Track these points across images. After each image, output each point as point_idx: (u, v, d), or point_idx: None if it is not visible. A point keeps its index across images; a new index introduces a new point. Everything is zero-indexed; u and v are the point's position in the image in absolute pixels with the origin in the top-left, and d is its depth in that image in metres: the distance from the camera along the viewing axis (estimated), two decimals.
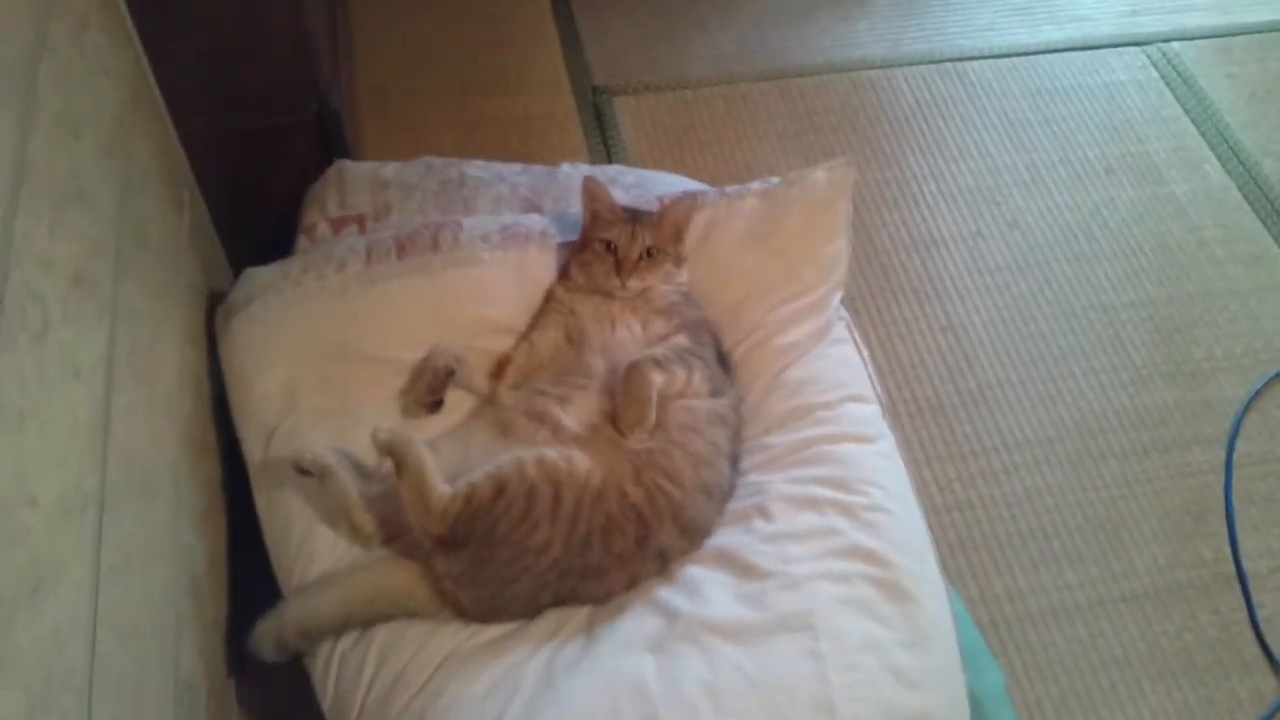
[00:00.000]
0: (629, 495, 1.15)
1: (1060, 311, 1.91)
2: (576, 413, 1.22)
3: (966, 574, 1.60)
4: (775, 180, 1.45)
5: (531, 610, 1.15)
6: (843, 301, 1.44)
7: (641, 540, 1.15)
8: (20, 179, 0.83)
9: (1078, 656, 1.53)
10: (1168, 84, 2.30)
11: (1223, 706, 1.50)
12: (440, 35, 2.24)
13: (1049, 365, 1.83)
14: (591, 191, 1.35)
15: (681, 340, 1.28)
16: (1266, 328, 1.90)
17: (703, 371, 1.26)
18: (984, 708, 1.26)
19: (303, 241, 1.44)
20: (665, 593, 1.13)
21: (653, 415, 1.20)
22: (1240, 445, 1.75)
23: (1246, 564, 1.63)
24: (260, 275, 1.34)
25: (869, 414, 1.32)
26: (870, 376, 1.37)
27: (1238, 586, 1.61)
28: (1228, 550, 1.64)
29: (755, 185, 1.45)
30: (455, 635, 1.13)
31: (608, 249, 1.32)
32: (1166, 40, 2.39)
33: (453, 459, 1.18)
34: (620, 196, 1.40)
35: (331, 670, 1.15)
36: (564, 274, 1.37)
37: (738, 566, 1.14)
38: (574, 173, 1.55)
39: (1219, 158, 2.16)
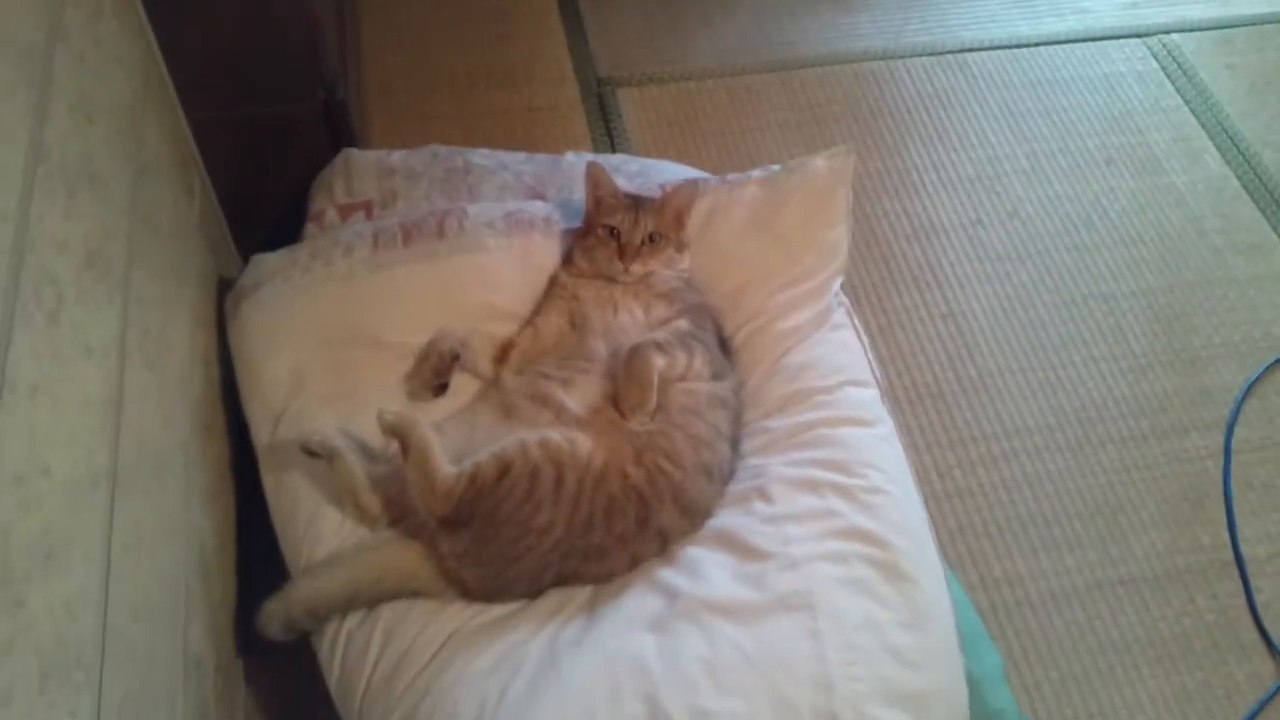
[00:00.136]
0: (630, 476, 1.17)
1: (1060, 300, 1.92)
2: (579, 396, 1.23)
3: (966, 559, 1.61)
4: (776, 168, 1.46)
5: (534, 590, 1.16)
6: (844, 289, 1.46)
7: (642, 521, 1.16)
8: (36, 162, 0.85)
9: (1076, 640, 1.54)
10: (1168, 75, 2.31)
11: (1220, 690, 1.51)
12: (446, 28, 2.26)
13: (1049, 353, 1.85)
14: (595, 178, 1.37)
15: (683, 324, 1.30)
16: (1265, 316, 1.92)
17: (703, 355, 1.27)
18: (982, 689, 1.27)
19: (310, 228, 1.46)
20: (666, 573, 1.15)
21: (654, 398, 1.21)
22: (1239, 432, 1.77)
23: (1244, 549, 1.64)
24: (269, 261, 1.36)
25: (868, 398, 1.33)
26: (869, 361, 1.39)
27: (1235, 571, 1.62)
28: (1226, 535, 1.66)
29: (756, 173, 1.46)
30: (459, 614, 1.15)
31: (611, 234, 1.34)
32: (1167, 32, 2.40)
33: (457, 441, 1.19)
34: (623, 184, 1.41)
35: (337, 649, 1.17)
36: (567, 260, 1.39)
37: (738, 547, 1.16)
38: (578, 161, 1.57)
39: (1219, 148, 2.17)
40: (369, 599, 1.17)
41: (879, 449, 1.27)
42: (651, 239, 1.34)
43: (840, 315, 1.42)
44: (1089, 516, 1.66)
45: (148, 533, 1.02)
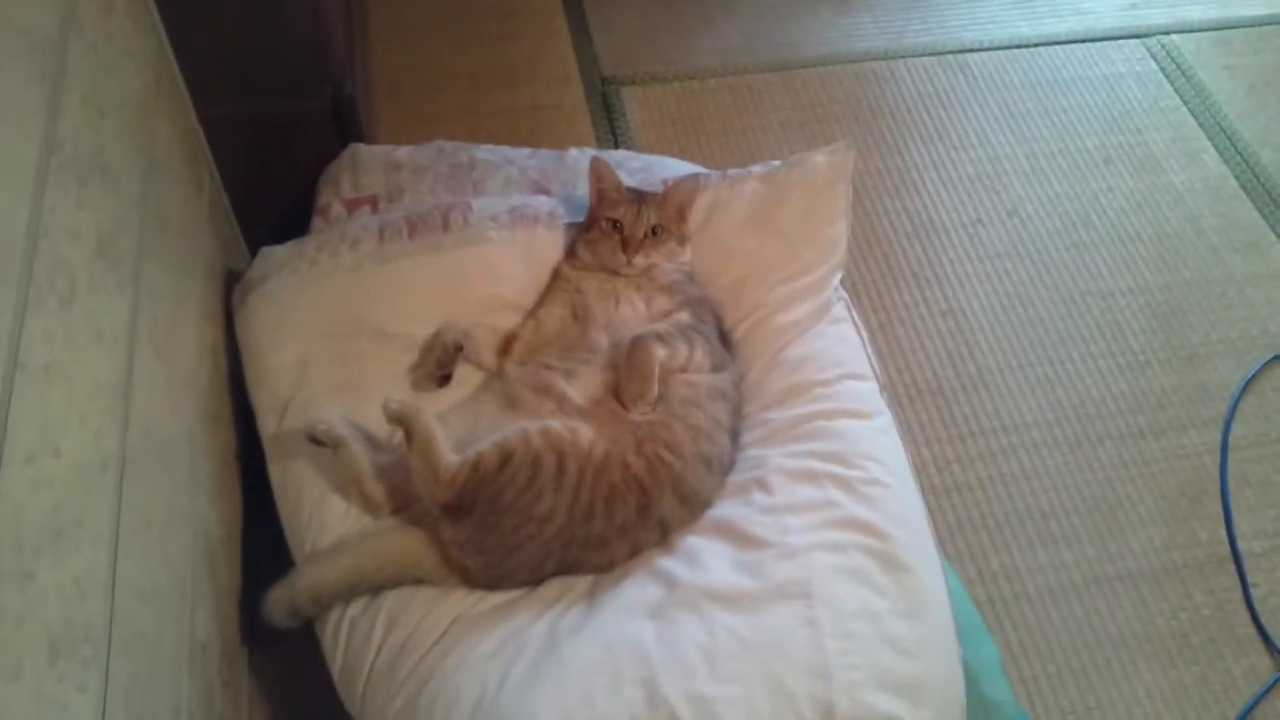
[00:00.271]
0: (631, 466, 1.18)
1: (1059, 297, 1.93)
2: (581, 386, 1.25)
3: (964, 553, 1.62)
4: (777, 163, 1.48)
5: (536, 578, 1.18)
6: (844, 285, 1.47)
7: (643, 510, 1.18)
8: (50, 152, 0.87)
9: (1074, 634, 1.55)
10: (1167, 76, 2.32)
11: (1217, 685, 1.52)
12: (452, 27, 2.28)
13: (1047, 350, 1.86)
14: (598, 172, 1.38)
15: (684, 317, 1.31)
16: (1262, 313, 1.93)
17: (704, 347, 1.29)
18: (979, 680, 1.28)
19: (317, 222, 1.48)
20: (666, 562, 1.16)
21: (655, 388, 1.23)
22: (1236, 428, 1.78)
23: (1241, 544, 1.65)
24: (276, 254, 1.38)
25: (866, 391, 1.35)
26: (868, 355, 1.40)
27: (1232, 566, 1.63)
28: (1223, 531, 1.67)
29: (757, 168, 1.48)
30: (462, 601, 1.16)
31: (614, 227, 1.36)
32: (1166, 33, 2.41)
33: (461, 430, 1.21)
34: (626, 180, 1.43)
35: (341, 635, 1.18)
36: (570, 253, 1.41)
37: (737, 537, 1.17)
38: (581, 157, 1.59)
39: (1217, 148, 2.19)
40: (372, 586, 1.18)
41: (877, 441, 1.28)
42: (654, 232, 1.36)
43: (840, 309, 1.43)
44: (1087, 512, 1.67)
45: (155, 518, 1.04)
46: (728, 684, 1.04)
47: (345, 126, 1.57)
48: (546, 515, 1.15)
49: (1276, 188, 2.12)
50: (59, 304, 0.85)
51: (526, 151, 1.61)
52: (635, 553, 1.19)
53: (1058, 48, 2.37)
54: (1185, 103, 2.27)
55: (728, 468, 1.27)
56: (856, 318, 1.45)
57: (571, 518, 1.15)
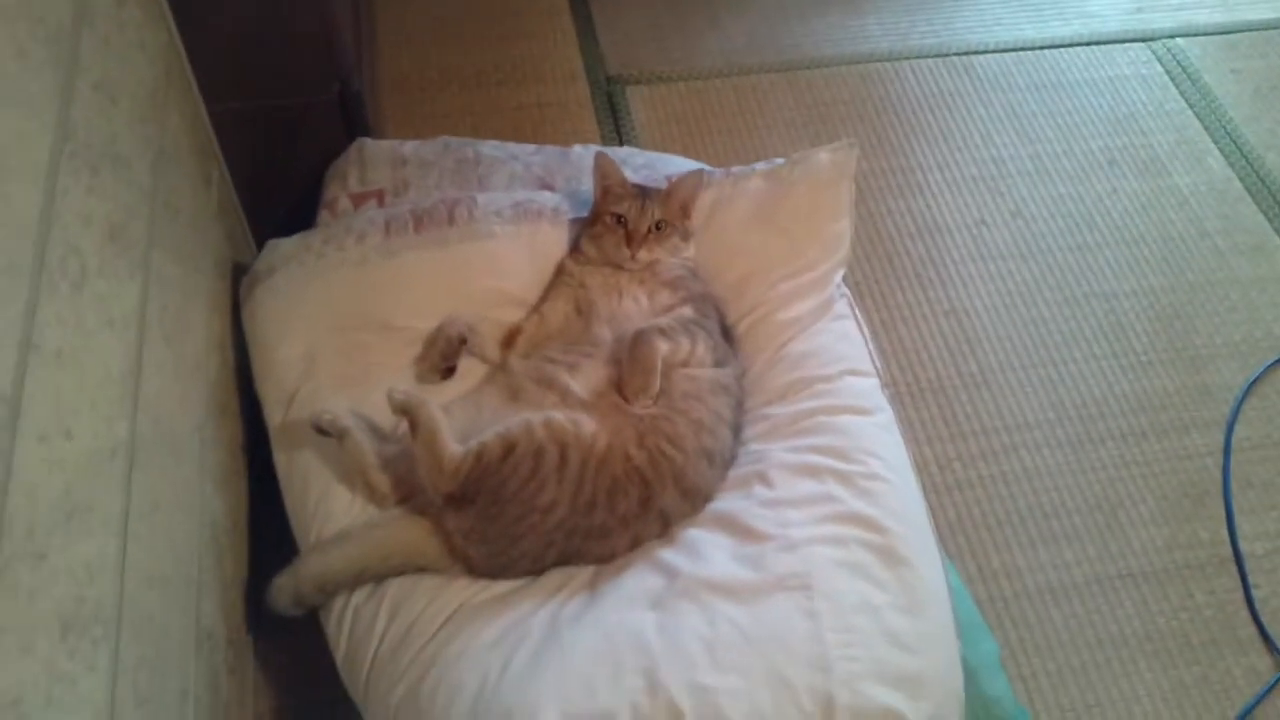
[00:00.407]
0: (633, 458, 1.19)
1: (1062, 298, 1.94)
2: (584, 380, 1.26)
3: (965, 551, 1.63)
4: (780, 161, 1.49)
5: (538, 568, 1.19)
6: (848, 284, 1.48)
7: (644, 502, 1.19)
8: (63, 139, 0.89)
9: (1074, 633, 1.56)
10: (1172, 79, 2.33)
11: (1217, 684, 1.52)
12: (459, 26, 2.30)
13: (1050, 350, 1.87)
14: (603, 168, 1.40)
15: (686, 311, 1.32)
16: (1266, 316, 1.93)
17: (706, 342, 1.30)
18: (978, 676, 1.28)
19: (324, 216, 1.49)
20: (666, 553, 1.17)
21: (657, 382, 1.24)
22: (1239, 430, 1.78)
23: (1243, 545, 1.65)
24: (283, 246, 1.39)
25: (868, 387, 1.35)
26: (870, 352, 1.41)
27: (1234, 567, 1.63)
28: (1225, 532, 1.67)
29: (760, 165, 1.49)
30: (465, 589, 1.17)
31: (618, 222, 1.37)
32: (1172, 36, 2.42)
33: (464, 422, 1.22)
34: (630, 177, 1.44)
35: (345, 623, 1.19)
36: (574, 248, 1.42)
37: (738, 529, 1.18)
38: (585, 153, 1.60)
39: (1222, 151, 2.19)
40: (376, 574, 1.19)
41: (878, 437, 1.29)
42: (658, 227, 1.37)
43: (842, 306, 1.44)
44: (1088, 511, 1.68)
45: (163, 506, 1.05)
46: (728, 674, 1.04)
47: (352, 122, 1.58)
48: (549, 506, 1.16)
49: None
50: (70, 288, 0.86)
51: (531, 148, 1.63)
52: (636, 544, 1.20)
53: (1063, 50, 2.38)
54: (1190, 106, 2.27)
55: (729, 461, 1.27)
56: (859, 315, 1.45)
57: (574, 509, 1.16)
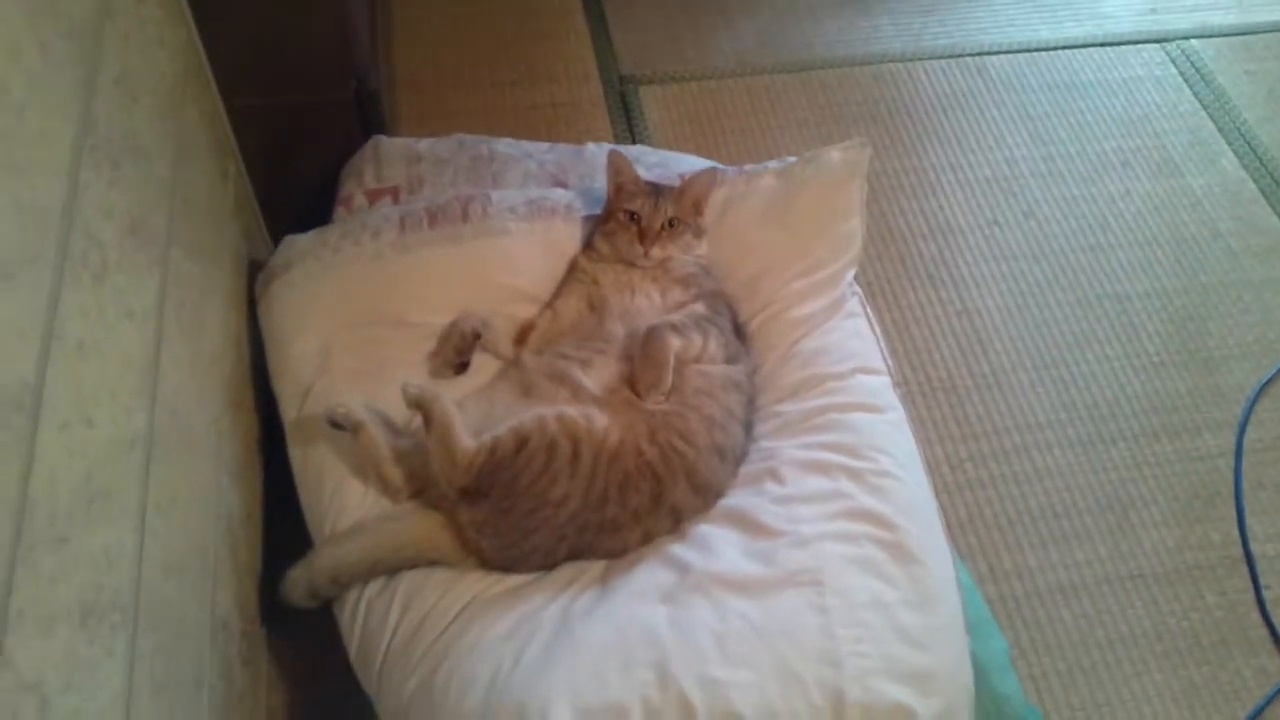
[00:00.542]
0: (645, 454, 1.19)
1: (1074, 299, 1.94)
2: (596, 375, 1.27)
3: (976, 550, 1.63)
4: (792, 159, 1.49)
5: (550, 561, 1.19)
6: (860, 283, 1.49)
7: (656, 497, 1.19)
8: (85, 133, 0.90)
9: (1084, 633, 1.55)
10: (1186, 80, 2.32)
11: (1227, 685, 1.52)
12: (474, 26, 2.31)
13: (1062, 350, 1.86)
14: (616, 165, 1.40)
15: (699, 308, 1.33)
16: (1279, 318, 1.92)
17: (718, 339, 1.30)
18: (988, 674, 1.29)
19: (340, 212, 1.50)
20: (678, 548, 1.17)
21: (669, 378, 1.24)
22: (1251, 431, 1.78)
23: (1254, 547, 1.65)
24: (299, 242, 1.40)
25: (879, 385, 1.36)
26: (881, 350, 1.41)
27: (1245, 569, 1.63)
28: (1236, 533, 1.66)
29: (772, 164, 1.50)
30: (477, 583, 1.18)
31: (631, 219, 1.37)
32: (1186, 38, 2.41)
33: (477, 416, 1.23)
34: (643, 175, 1.45)
35: (358, 616, 1.20)
36: (587, 245, 1.43)
37: (749, 525, 1.18)
38: (599, 151, 1.61)
39: (1236, 152, 2.19)
40: (389, 567, 1.20)
41: (889, 434, 1.29)
42: (671, 224, 1.38)
43: (854, 304, 1.44)
44: (1099, 511, 1.68)
45: (180, 498, 1.06)
46: (739, 668, 1.05)
47: (368, 119, 1.59)
48: (561, 500, 1.16)
49: None
50: (92, 279, 0.87)
51: (545, 145, 1.64)
52: (648, 539, 1.20)
53: (1076, 51, 2.38)
54: (1204, 107, 2.27)
55: (741, 458, 1.28)
56: (870, 313, 1.46)
57: (586, 503, 1.17)
